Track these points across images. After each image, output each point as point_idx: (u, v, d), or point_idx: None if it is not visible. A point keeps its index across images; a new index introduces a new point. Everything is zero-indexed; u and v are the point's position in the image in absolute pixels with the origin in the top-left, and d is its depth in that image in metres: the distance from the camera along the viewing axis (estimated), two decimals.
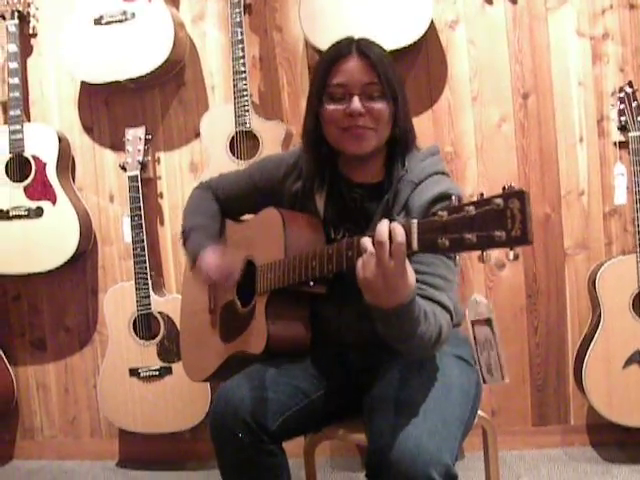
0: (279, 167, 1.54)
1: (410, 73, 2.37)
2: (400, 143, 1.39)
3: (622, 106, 2.17)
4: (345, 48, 1.36)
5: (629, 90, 2.16)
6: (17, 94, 2.42)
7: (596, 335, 2.15)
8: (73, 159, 2.58)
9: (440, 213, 0.96)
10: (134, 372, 2.40)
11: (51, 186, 2.42)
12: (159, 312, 2.38)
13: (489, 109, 2.38)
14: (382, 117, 1.34)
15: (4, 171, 2.43)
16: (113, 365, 2.44)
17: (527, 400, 2.41)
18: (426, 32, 2.19)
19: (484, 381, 1.49)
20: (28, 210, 2.42)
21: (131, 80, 2.36)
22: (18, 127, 2.41)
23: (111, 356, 2.45)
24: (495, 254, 0.94)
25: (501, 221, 0.88)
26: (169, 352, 2.37)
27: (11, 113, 2.42)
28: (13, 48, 2.44)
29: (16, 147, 2.41)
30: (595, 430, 2.36)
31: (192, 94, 2.52)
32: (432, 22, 2.24)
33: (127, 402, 2.42)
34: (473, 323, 1.51)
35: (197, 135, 2.48)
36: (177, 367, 2.35)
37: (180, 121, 2.54)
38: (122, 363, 2.42)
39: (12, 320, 2.68)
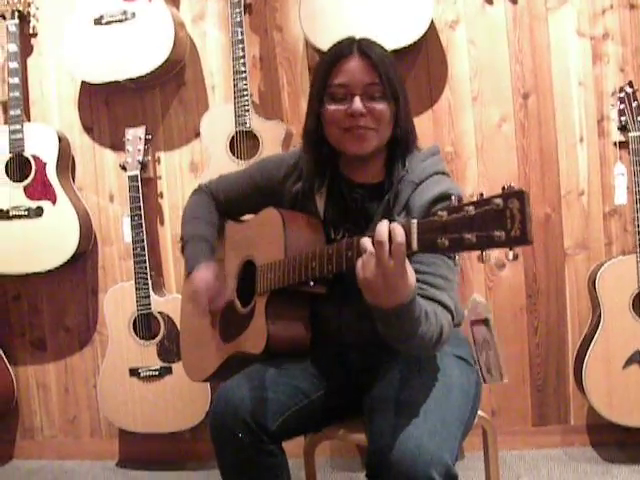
0: (279, 167, 1.54)
1: (410, 73, 2.37)
2: (401, 143, 1.39)
3: (622, 106, 2.17)
4: (346, 48, 1.35)
5: (629, 90, 2.16)
6: (17, 94, 2.42)
7: (596, 335, 2.15)
8: (73, 159, 2.58)
9: (440, 213, 0.96)
10: (134, 372, 2.40)
11: (51, 186, 2.42)
12: (159, 312, 2.38)
13: (489, 109, 2.38)
14: (383, 117, 1.34)
15: (4, 171, 2.43)
16: (113, 365, 2.44)
17: (527, 400, 2.41)
18: (426, 32, 2.19)
19: (484, 381, 1.49)
20: (28, 210, 2.42)
21: (131, 80, 2.36)
22: (18, 127, 2.41)
23: (111, 356, 2.45)
24: (495, 254, 0.94)
25: (501, 221, 0.88)
26: (169, 352, 2.37)
27: (11, 113, 2.42)
28: (13, 48, 2.44)
29: (16, 147, 2.41)
30: (595, 430, 2.36)
31: (192, 94, 2.52)
32: (432, 22, 2.24)
33: (127, 402, 2.42)
34: (472, 323, 1.51)
35: (197, 135, 2.48)
36: (177, 367, 2.35)
37: (180, 121, 2.54)
38: (122, 363, 2.42)
39: (12, 320, 2.68)
